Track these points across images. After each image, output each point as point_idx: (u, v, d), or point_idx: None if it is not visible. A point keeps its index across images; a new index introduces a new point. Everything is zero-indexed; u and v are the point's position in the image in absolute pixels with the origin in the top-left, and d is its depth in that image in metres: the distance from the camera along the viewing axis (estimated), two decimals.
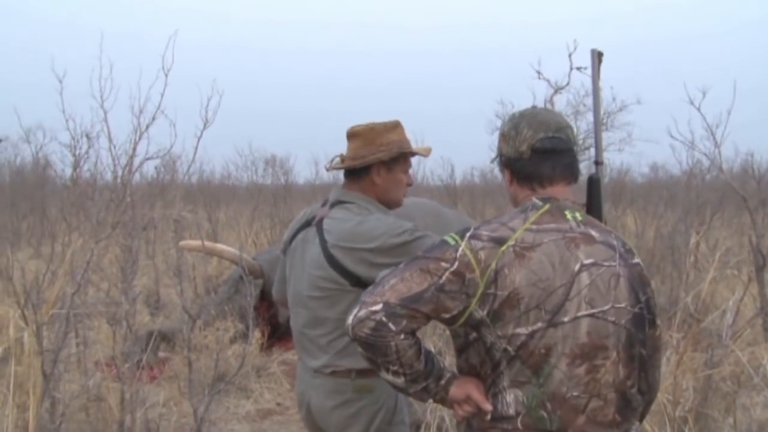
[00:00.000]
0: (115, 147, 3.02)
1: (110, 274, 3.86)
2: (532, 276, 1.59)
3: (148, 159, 3.10)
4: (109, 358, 4.26)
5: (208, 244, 5.69)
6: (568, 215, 1.70)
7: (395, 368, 1.62)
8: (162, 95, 3.05)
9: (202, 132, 3.40)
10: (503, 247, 1.61)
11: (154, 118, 3.02)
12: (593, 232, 1.70)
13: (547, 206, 1.70)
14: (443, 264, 1.60)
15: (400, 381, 1.64)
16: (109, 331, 3.30)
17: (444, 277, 1.59)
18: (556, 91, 11.60)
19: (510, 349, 1.61)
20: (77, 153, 3.62)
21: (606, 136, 7.43)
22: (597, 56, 1.93)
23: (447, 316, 1.61)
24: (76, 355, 4.02)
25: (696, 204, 8.13)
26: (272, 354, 5.86)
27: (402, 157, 2.35)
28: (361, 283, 2.15)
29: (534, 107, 1.80)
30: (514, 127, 1.76)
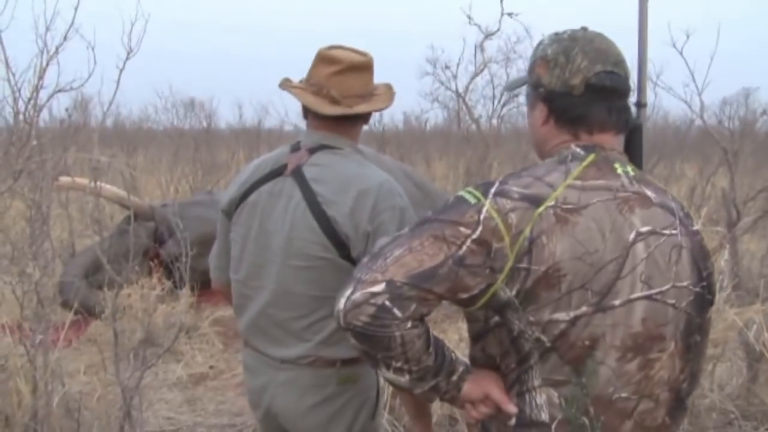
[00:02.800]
0: (15, 76, 2.43)
1: (14, 234, 3.28)
2: (577, 247, 1.25)
3: (59, 91, 2.52)
4: (16, 321, 3.72)
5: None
6: (619, 169, 1.35)
7: (399, 365, 1.26)
8: (76, 9, 2.44)
9: (125, 63, 2.82)
10: (540, 209, 1.26)
11: (65, 38, 2.43)
12: (649, 192, 1.35)
13: (591, 156, 1.35)
14: (462, 229, 1.24)
15: (404, 380, 1.29)
16: (12, 296, 2.77)
17: (465, 247, 1.23)
18: (486, 37, 11.29)
19: (545, 339, 1.27)
20: None
21: None
22: None
23: (465, 296, 1.25)
24: None
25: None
26: (202, 312, 5.42)
27: None
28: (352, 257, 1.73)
29: (585, 29, 1.41)
30: (564, 51, 1.37)
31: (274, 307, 1.81)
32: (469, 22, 10.56)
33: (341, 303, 1.22)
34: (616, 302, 1.27)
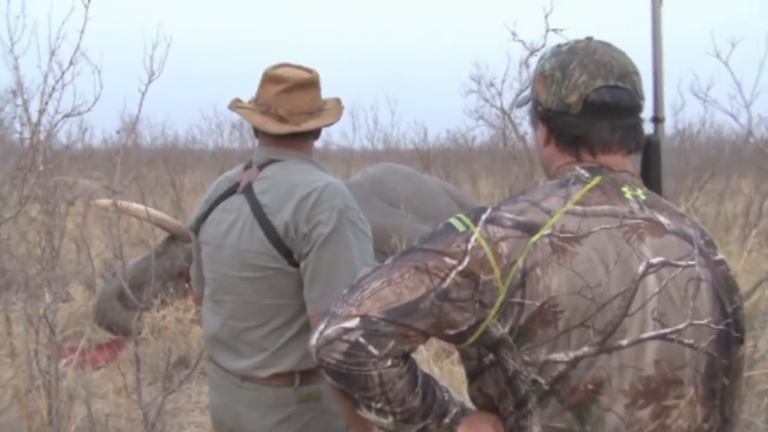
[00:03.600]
0: (26, 101, 2.43)
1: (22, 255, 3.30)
2: (576, 280, 1.13)
3: (67, 116, 2.52)
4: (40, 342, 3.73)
5: (123, 203, 5.12)
6: (627, 193, 1.23)
7: (379, 406, 1.16)
8: (82, 32, 2.44)
9: (147, 86, 2.82)
10: (535, 238, 1.15)
11: (71, 62, 2.43)
12: (662, 218, 1.23)
13: (597, 179, 1.23)
14: (447, 260, 1.14)
15: (387, 422, 1.18)
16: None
17: (449, 280, 1.13)
18: (531, 53, 11.09)
19: (542, 381, 1.16)
20: None
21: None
22: None
23: (452, 332, 1.15)
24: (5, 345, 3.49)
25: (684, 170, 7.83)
26: None
27: None
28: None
29: (589, 39, 1.30)
30: (561, 66, 1.26)
31: (234, 318, 1.82)
32: (514, 39, 10.45)
33: (314, 338, 1.14)
34: (624, 342, 1.14)
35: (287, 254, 1.72)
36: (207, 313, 1.92)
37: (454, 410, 1.22)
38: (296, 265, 1.72)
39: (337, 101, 1.92)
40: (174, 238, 5.48)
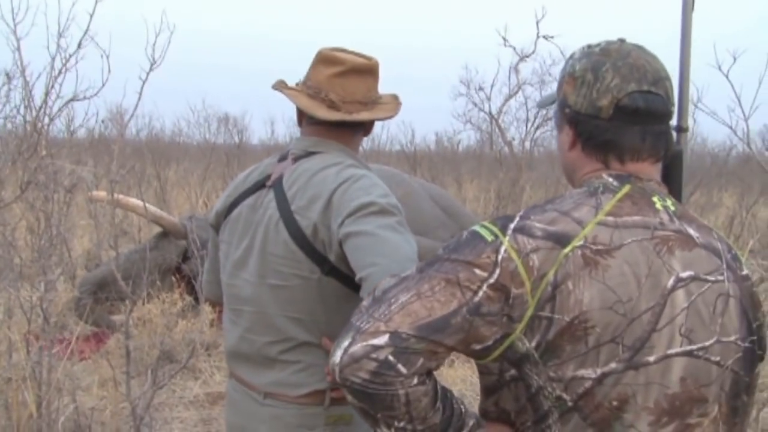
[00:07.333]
0: (29, 84, 2.37)
1: (22, 244, 3.22)
2: (608, 295, 1.09)
3: (72, 100, 2.46)
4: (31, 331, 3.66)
5: (120, 197, 5.03)
6: (658, 203, 1.20)
7: (402, 424, 1.10)
8: (91, 16, 2.39)
9: (147, 74, 2.76)
10: (566, 249, 1.10)
11: (79, 45, 2.37)
12: (691, 231, 1.19)
13: (626, 188, 1.19)
14: (478, 272, 1.08)
15: None
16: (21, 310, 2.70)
17: (481, 293, 1.07)
18: (521, 59, 11.10)
19: (566, 397, 1.12)
20: None
21: None
22: None
23: (478, 347, 1.10)
24: None
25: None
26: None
27: None
28: (336, 270, 1.53)
29: (622, 41, 1.26)
30: (593, 68, 1.21)
31: (253, 331, 1.63)
32: (504, 44, 10.48)
33: (337, 355, 1.06)
34: (651, 358, 1.11)
35: (320, 260, 1.52)
36: (226, 323, 1.72)
37: (471, 422, 1.18)
38: (331, 272, 1.53)
39: (394, 97, 1.74)
40: (166, 234, 5.43)
